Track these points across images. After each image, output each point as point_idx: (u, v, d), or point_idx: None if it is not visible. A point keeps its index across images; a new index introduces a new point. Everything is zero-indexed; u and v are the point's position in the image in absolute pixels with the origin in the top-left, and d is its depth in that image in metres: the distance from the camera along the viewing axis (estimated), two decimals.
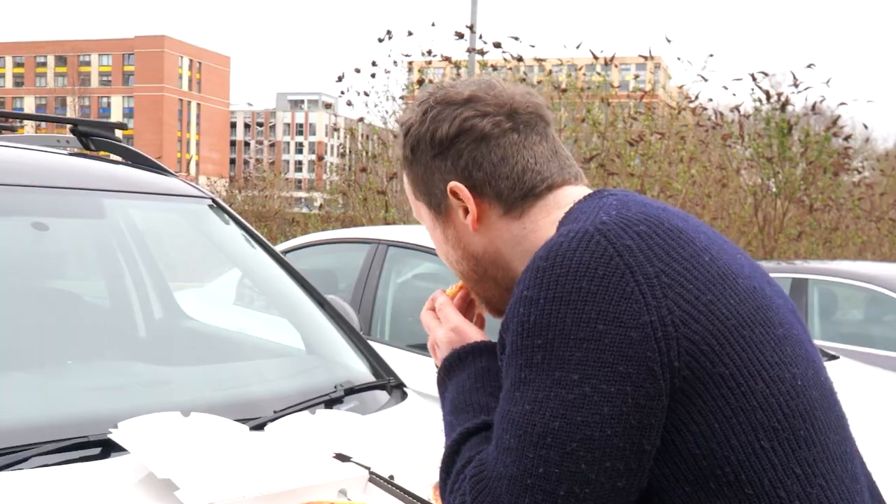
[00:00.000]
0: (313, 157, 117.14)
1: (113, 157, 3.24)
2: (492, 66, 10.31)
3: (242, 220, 3.16)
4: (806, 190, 11.09)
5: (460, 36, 9.88)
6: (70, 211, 2.73)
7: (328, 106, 24.76)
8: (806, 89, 10.76)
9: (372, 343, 4.47)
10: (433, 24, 9.90)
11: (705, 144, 11.27)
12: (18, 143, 3.26)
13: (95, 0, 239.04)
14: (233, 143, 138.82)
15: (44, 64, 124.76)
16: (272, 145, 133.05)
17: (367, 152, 11.06)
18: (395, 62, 10.07)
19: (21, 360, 2.38)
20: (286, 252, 5.58)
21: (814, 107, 10.53)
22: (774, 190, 11.05)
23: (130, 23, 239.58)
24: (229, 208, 3.16)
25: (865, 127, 12.39)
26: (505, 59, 10.21)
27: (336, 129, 12.10)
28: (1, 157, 2.73)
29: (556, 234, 1.23)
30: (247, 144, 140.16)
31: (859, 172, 11.86)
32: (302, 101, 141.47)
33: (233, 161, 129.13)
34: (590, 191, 1.37)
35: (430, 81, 10.15)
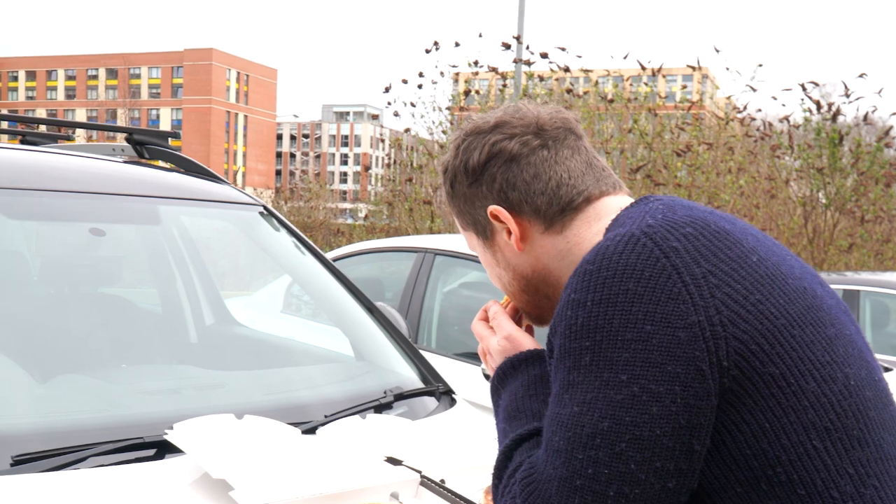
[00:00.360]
0: (358, 168, 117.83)
1: (166, 164, 3.30)
2: (538, 76, 10.30)
3: (293, 227, 3.19)
4: (857, 201, 10.94)
5: (507, 47, 9.89)
6: (126, 217, 2.77)
7: (375, 117, 24.91)
8: (857, 99, 10.64)
9: (420, 351, 4.49)
10: (480, 35, 9.92)
11: (754, 155, 11.17)
12: (75, 152, 3.33)
13: (146, 14, 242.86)
14: (279, 155, 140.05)
15: (95, 77, 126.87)
16: (317, 157, 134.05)
17: (412, 163, 11.10)
18: (441, 73, 10.11)
19: (77, 363, 2.42)
20: (335, 260, 5.62)
21: (865, 117, 10.40)
22: (824, 201, 10.92)
23: (180, 36, 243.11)
24: (280, 215, 3.19)
25: None
26: (551, 70, 10.20)
27: (382, 140, 12.16)
28: (59, 165, 2.79)
29: (602, 239, 1.24)
30: (292, 156, 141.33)
31: None
32: (347, 113, 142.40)
33: (279, 172, 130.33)
34: (632, 199, 1.39)
35: (477, 92, 10.19)
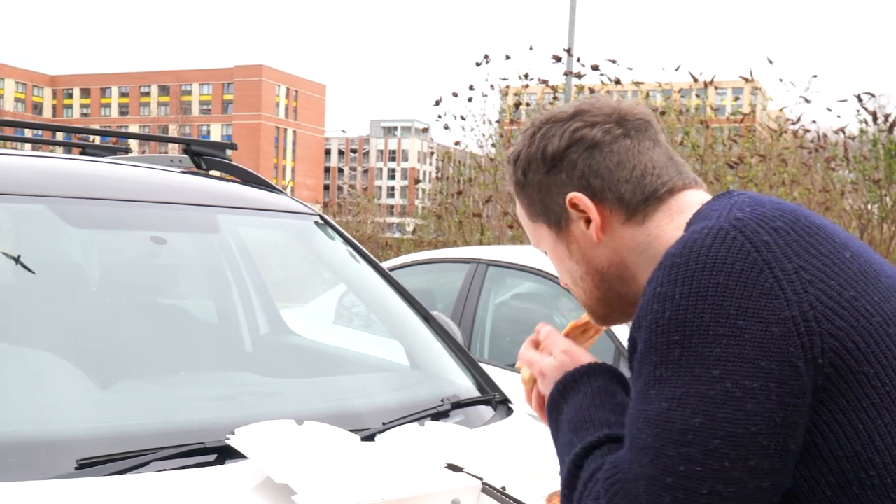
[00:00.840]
0: (406, 182, 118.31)
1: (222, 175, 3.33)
2: (589, 89, 10.27)
3: (349, 236, 3.20)
4: None
5: (557, 59, 9.87)
6: (186, 226, 2.80)
7: (425, 130, 24.95)
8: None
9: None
10: (531, 48, 9.91)
11: (808, 167, 11.00)
12: (134, 163, 3.38)
13: (197, 32, 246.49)
14: (327, 170, 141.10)
15: (148, 94, 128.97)
16: (365, 171, 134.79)
17: (461, 176, 11.10)
18: (491, 86, 10.11)
19: (136, 370, 2.44)
20: (391, 269, 5.64)
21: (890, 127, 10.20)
22: (878, 214, 10.72)
23: (230, 53, 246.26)
24: (336, 224, 3.21)
25: None
26: (602, 83, 10.16)
27: (432, 153, 12.19)
28: (120, 175, 2.83)
29: (687, 231, 1.21)
30: (340, 171, 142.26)
31: None
32: (395, 128, 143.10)
33: (327, 187, 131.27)
34: (711, 196, 1.35)
35: (527, 105, 10.17)
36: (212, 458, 1.97)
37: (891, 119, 10.36)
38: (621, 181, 1.33)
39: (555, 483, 1.94)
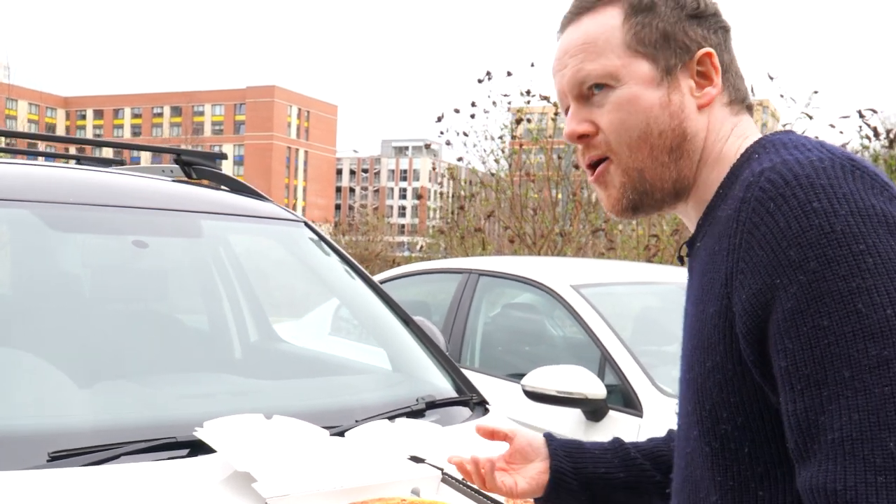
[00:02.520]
0: (416, 202, 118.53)
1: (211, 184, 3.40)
2: None
3: (332, 242, 3.25)
4: None
5: None
6: (168, 230, 2.85)
7: (427, 146, 25.05)
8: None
9: (463, 369, 4.51)
10: (532, 65, 9.99)
11: None
12: (126, 172, 3.44)
13: (210, 53, 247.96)
14: (338, 189, 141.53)
15: (160, 114, 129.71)
16: (376, 191, 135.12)
17: (464, 191, 11.16)
18: (494, 102, 10.19)
19: (120, 371, 2.49)
20: (382, 282, 5.69)
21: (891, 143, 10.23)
22: None
23: (242, 74, 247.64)
24: (320, 230, 3.26)
25: None
26: None
27: (434, 170, 12.27)
28: (106, 182, 2.89)
29: (789, 157, 1.10)
30: (352, 190, 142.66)
31: None
32: (406, 148, 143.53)
33: (338, 206, 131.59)
34: None
35: (528, 121, 10.23)
36: (184, 451, 2.02)
37: (893, 134, 10.38)
38: (735, 72, 1.28)
39: None
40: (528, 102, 10.04)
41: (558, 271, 4.56)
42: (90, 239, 2.80)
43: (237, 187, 3.37)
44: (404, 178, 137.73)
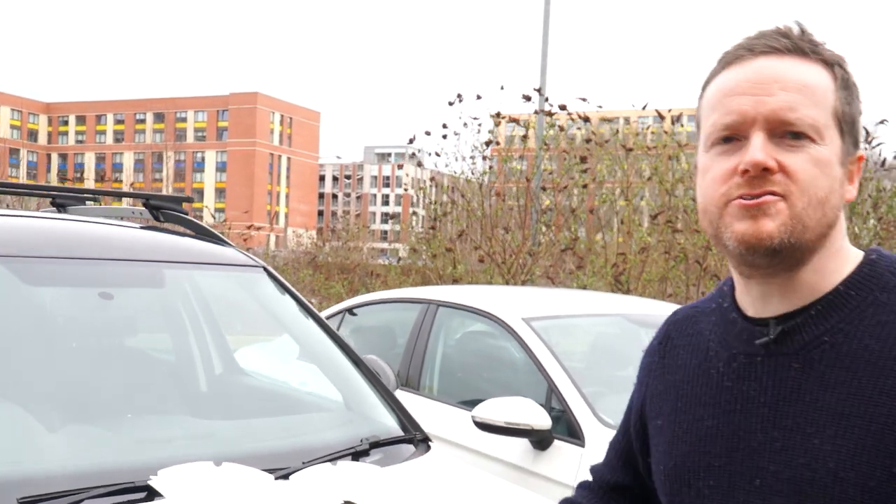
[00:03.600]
0: (399, 208, 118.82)
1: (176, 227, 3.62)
2: (559, 127, 10.60)
3: (291, 288, 3.48)
4: (879, 244, 11.04)
5: (528, 99, 10.22)
6: (132, 281, 3.07)
7: (412, 156, 25.30)
8: (878, 145, 10.78)
9: (420, 397, 4.75)
10: (502, 88, 10.28)
11: None
12: (97, 216, 3.66)
13: (193, 59, 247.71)
14: (321, 196, 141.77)
15: (143, 121, 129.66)
16: (359, 197, 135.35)
17: (436, 210, 11.41)
18: (465, 124, 10.47)
19: (86, 415, 2.71)
20: (354, 307, 5.92)
21: (883, 163, 10.55)
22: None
23: (225, 80, 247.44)
24: (279, 276, 3.49)
25: None
26: (572, 119, 10.49)
27: (415, 186, 12.50)
28: (73, 231, 3.11)
29: None
30: (335, 196, 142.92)
31: None
32: (389, 154, 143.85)
33: (321, 213, 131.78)
34: None
35: (497, 143, 10.49)
36: (142, 495, 2.24)
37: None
38: None
39: None
40: (499, 124, 10.30)
41: (512, 304, 4.80)
42: (59, 291, 3.01)
43: (201, 231, 3.59)
44: (387, 185, 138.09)
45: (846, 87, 1.27)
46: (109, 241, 3.10)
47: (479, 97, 10.05)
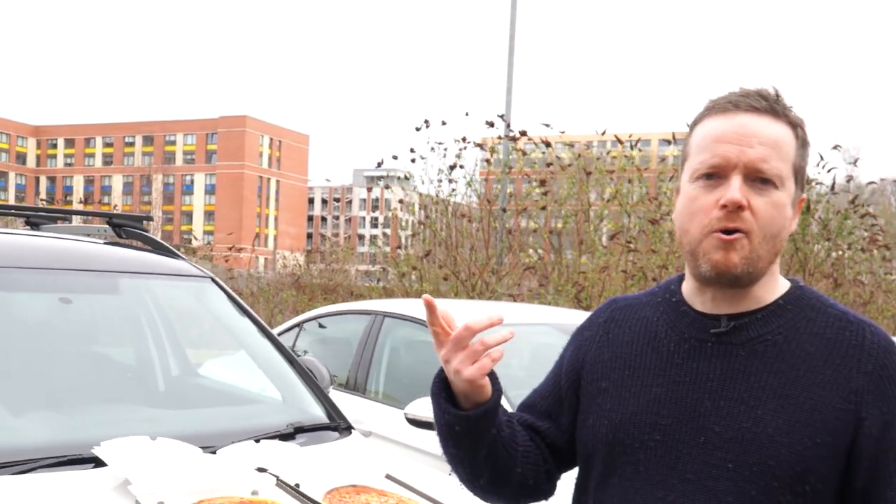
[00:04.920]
0: (388, 230, 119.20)
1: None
2: (522, 151, 11.06)
3: (234, 295, 3.90)
4: (832, 265, 11.46)
5: (491, 125, 10.69)
6: (89, 287, 3.50)
7: (388, 187, 25.69)
8: (831, 170, 11.24)
9: (366, 399, 5.18)
10: (467, 114, 10.77)
11: None
12: (62, 233, 4.09)
13: (182, 83, 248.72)
14: (310, 218, 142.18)
15: (132, 144, 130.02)
16: (348, 220, 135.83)
17: (403, 231, 11.85)
18: (431, 148, 10.93)
19: (46, 403, 3.12)
20: (319, 317, 6.39)
21: (833, 187, 10.99)
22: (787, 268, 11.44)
23: (214, 104, 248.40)
24: (224, 285, 3.91)
25: None
26: (535, 144, 10.96)
27: (403, 202, 12.90)
28: (36, 245, 3.54)
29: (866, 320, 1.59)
30: (324, 219, 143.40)
31: (888, 249, 12.15)
32: (379, 178, 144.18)
33: (310, 235, 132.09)
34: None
35: (461, 167, 10.96)
36: (90, 465, 2.65)
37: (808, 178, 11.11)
38: None
39: (340, 482, 2.63)
40: (465, 148, 10.76)
41: (454, 315, 5.22)
42: (24, 296, 3.43)
43: (158, 247, 4.02)
44: (376, 208, 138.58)
45: (803, 145, 1.58)
46: (66, 253, 3.53)
47: (443, 123, 10.53)
